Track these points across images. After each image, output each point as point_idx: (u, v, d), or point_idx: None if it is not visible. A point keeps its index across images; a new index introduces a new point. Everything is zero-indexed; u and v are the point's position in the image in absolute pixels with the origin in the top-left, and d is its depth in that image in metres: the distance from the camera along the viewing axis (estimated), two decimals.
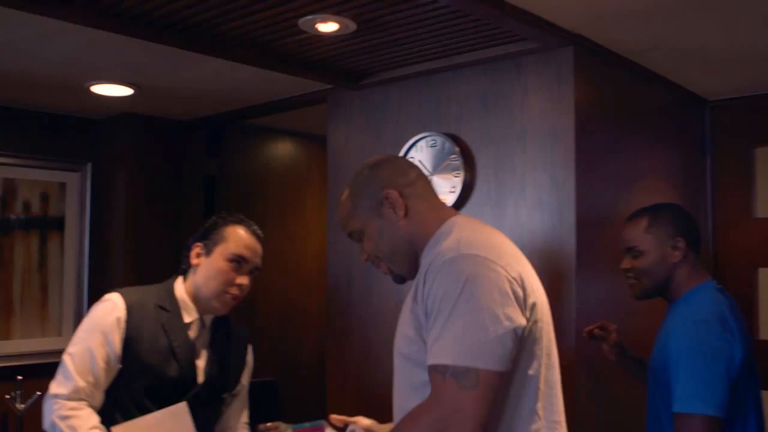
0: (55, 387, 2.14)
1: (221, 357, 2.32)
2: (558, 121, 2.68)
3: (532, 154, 2.75)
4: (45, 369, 3.78)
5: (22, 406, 3.68)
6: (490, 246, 1.68)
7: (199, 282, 2.27)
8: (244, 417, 2.46)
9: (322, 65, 3.09)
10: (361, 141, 3.32)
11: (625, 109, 3.01)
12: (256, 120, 4.17)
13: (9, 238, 3.82)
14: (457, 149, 2.92)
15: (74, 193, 4.04)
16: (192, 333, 2.27)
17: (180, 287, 2.30)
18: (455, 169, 2.92)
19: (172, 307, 2.26)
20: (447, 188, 2.95)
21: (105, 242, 4.09)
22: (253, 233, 2.33)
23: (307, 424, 1.91)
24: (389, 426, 1.93)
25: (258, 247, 2.33)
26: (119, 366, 2.18)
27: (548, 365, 1.71)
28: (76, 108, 3.92)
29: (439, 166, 2.98)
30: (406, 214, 1.80)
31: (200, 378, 2.25)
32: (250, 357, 2.46)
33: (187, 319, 2.27)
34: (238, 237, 2.28)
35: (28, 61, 3.06)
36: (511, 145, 2.81)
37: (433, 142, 3.00)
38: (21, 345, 3.84)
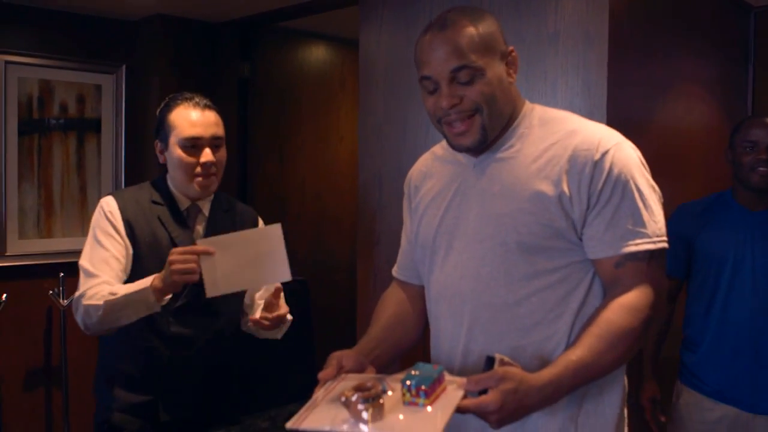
0: (80, 289, 2.15)
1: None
2: (591, 24, 2.61)
3: (564, 58, 2.69)
4: None
5: (65, 301, 3.83)
6: None
7: (172, 176, 2.27)
8: None
9: None
10: (393, 43, 3.27)
11: (662, 13, 2.92)
12: (289, 23, 4.14)
13: (48, 139, 3.90)
14: None
15: (110, 95, 4.09)
16: (190, 220, 2.28)
17: (168, 181, 2.30)
18: None
19: (165, 199, 2.27)
20: None
21: (140, 143, 4.15)
22: (196, 105, 2.23)
23: (434, 374, 1.42)
24: (365, 343, 1.76)
25: (206, 117, 2.23)
26: (130, 260, 2.19)
27: None
28: (110, 10, 3.92)
29: None
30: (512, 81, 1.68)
31: None
32: None
33: (182, 207, 2.28)
34: (183, 119, 2.20)
35: None
36: (542, 49, 2.75)
37: None
38: (62, 243, 3.97)
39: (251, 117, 4.18)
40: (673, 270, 2.70)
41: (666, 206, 2.75)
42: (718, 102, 3.32)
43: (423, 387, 1.38)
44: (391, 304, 1.92)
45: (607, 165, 1.57)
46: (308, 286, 3.87)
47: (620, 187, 1.56)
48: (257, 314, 2.21)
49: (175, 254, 1.99)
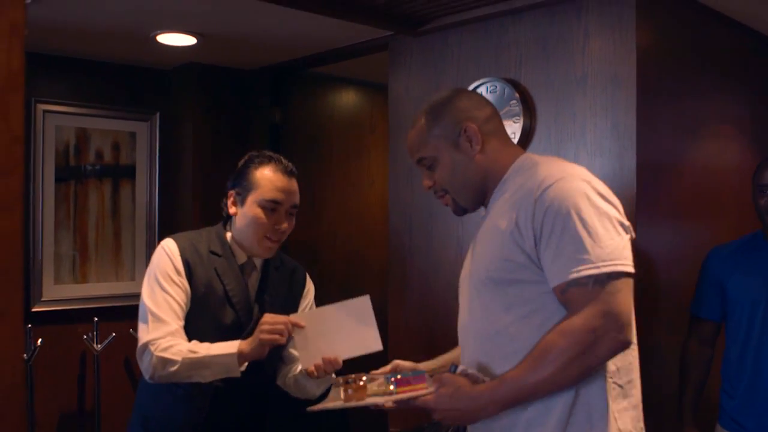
0: (149, 333, 2.10)
1: (276, 294, 2.31)
2: (619, 66, 2.63)
3: (592, 100, 2.71)
4: (119, 311, 3.96)
5: (99, 346, 3.86)
6: (586, 172, 1.76)
7: (239, 230, 2.25)
8: None
9: (382, 11, 3.08)
10: (421, 88, 3.31)
11: (690, 53, 2.93)
12: (320, 69, 4.19)
13: (83, 185, 3.97)
14: (517, 95, 2.89)
15: (144, 143, 4.16)
16: (245, 275, 2.27)
17: (228, 232, 2.30)
18: (515, 115, 2.90)
19: (223, 251, 2.26)
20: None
21: (174, 189, 4.21)
22: (284, 170, 2.25)
23: (412, 373, 1.84)
24: (432, 363, 2.08)
25: (291, 185, 2.25)
26: (190, 304, 2.18)
27: None
28: (144, 59, 4.01)
29: (499, 112, 2.96)
30: (482, 149, 1.84)
31: (256, 317, 2.24)
32: (307, 291, 2.44)
33: (239, 261, 2.27)
34: (269, 180, 2.21)
35: (96, 11, 3.14)
36: (571, 90, 2.77)
37: (493, 87, 2.98)
38: (97, 288, 4.01)
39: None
40: (708, 312, 2.67)
41: (700, 247, 2.76)
42: (749, 141, 3.30)
43: (394, 379, 1.79)
44: None
45: (547, 200, 1.67)
46: None
47: (561, 218, 1.64)
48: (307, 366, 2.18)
49: (266, 317, 2.07)
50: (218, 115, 4.19)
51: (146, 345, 2.09)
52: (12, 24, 1.06)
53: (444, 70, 3.21)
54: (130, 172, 4.13)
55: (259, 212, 2.20)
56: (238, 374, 2.09)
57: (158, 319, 2.11)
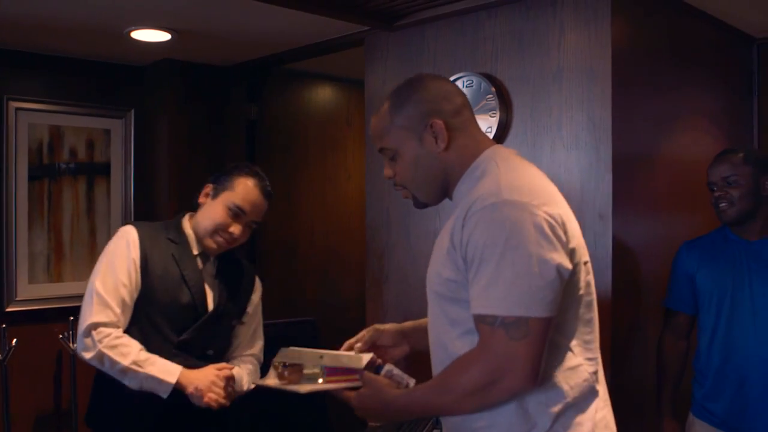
0: (94, 316, 2.22)
1: (228, 286, 2.45)
2: (595, 59, 2.64)
3: (568, 93, 2.72)
4: None
5: (75, 345, 3.82)
6: (530, 188, 1.61)
7: (198, 219, 2.40)
8: (255, 349, 2.58)
9: (358, 6, 3.07)
10: (398, 83, 3.25)
11: (665, 47, 2.95)
12: (296, 65, 4.18)
13: (58, 184, 3.92)
14: (493, 89, 2.90)
15: (119, 140, 4.12)
16: (199, 264, 2.41)
17: (187, 223, 2.44)
18: (491, 109, 2.91)
19: (180, 240, 2.40)
20: (483, 128, 2.89)
21: (149, 187, 4.18)
22: (262, 189, 2.39)
23: (343, 367, 1.87)
24: (412, 323, 2.12)
25: (262, 203, 2.40)
26: (138, 291, 2.30)
27: (587, 303, 1.68)
28: (118, 55, 3.97)
29: (475, 107, 2.95)
30: (447, 146, 1.72)
31: (210, 305, 2.38)
32: (256, 288, 2.58)
33: (194, 251, 2.41)
34: (245, 189, 2.36)
35: (69, 6, 3.10)
36: (547, 84, 2.78)
37: (469, 82, 2.98)
38: (72, 287, 3.96)
39: (259, 158, 4.21)
40: (680, 305, 2.71)
41: (676, 239, 2.79)
42: (724, 134, 3.33)
43: (326, 368, 1.87)
44: None
45: (471, 225, 1.58)
46: (317, 325, 3.86)
47: (479, 250, 1.55)
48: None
49: (216, 386, 2.22)
50: (194, 111, 4.16)
51: (90, 328, 2.21)
52: None
53: (420, 65, 3.21)
54: (104, 170, 4.09)
55: (222, 211, 2.35)
56: (165, 396, 2.21)
57: (104, 303, 2.23)
